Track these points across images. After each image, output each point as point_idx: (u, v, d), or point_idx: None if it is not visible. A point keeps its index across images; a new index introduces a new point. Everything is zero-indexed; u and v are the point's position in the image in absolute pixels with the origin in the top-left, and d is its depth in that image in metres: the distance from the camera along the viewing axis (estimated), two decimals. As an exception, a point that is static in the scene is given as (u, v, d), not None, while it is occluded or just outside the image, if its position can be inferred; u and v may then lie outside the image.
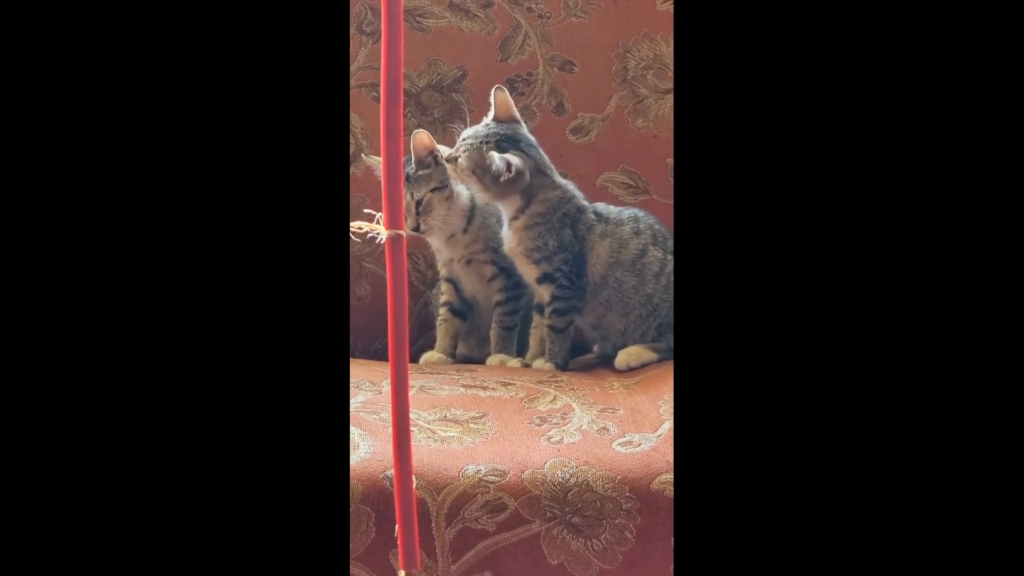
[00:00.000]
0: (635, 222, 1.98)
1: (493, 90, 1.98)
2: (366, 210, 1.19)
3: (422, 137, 2.02)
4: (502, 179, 1.92)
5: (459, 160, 1.95)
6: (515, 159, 1.92)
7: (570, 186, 2.00)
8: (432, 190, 2.03)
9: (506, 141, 1.95)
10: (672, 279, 1.95)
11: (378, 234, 1.16)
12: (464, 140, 1.96)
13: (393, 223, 1.15)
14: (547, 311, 1.98)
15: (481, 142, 1.94)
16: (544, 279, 1.97)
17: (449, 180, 2.02)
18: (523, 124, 2.00)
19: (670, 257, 1.97)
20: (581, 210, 1.98)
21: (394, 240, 1.17)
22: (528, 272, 1.98)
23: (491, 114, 1.98)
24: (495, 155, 1.91)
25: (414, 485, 1.20)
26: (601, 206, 2.02)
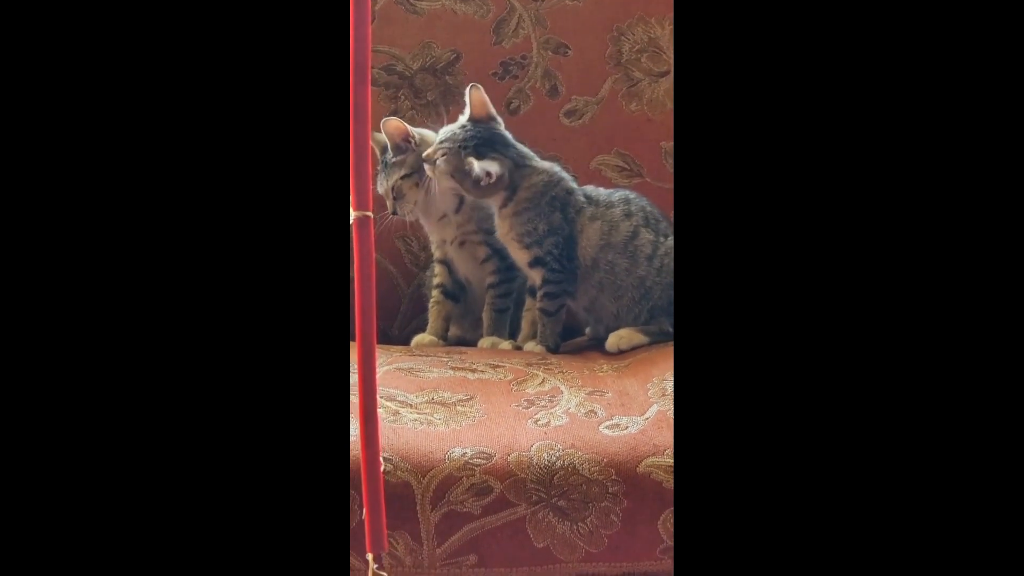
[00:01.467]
0: (626, 204, 1.98)
1: (468, 88, 1.97)
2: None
3: (394, 123, 2.02)
4: (482, 183, 1.92)
5: (437, 163, 1.94)
6: (494, 166, 1.91)
7: (556, 168, 1.99)
8: (402, 177, 2.03)
9: (484, 144, 1.94)
10: (664, 262, 1.95)
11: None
12: (442, 143, 1.96)
13: (360, 204, 1.15)
14: (538, 294, 1.98)
15: (459, 147, 1.94)
16: (535, 263, 1.96)
17: (422, 167, 2.02)
18: (499, 121, 1.99)
19: (663, 239, 1.96)
20: (570, 192, 1.97)
21: (361, 222, 1.16)
22: (519, 257, 1.98)
23: (467, 112, 1.97)
24: (475, 164, 1.91)
25: (382, 468, 1.20)
26: (591, 188, 2.02)
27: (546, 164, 1.99)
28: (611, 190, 2.02)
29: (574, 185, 1.99)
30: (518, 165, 1.96)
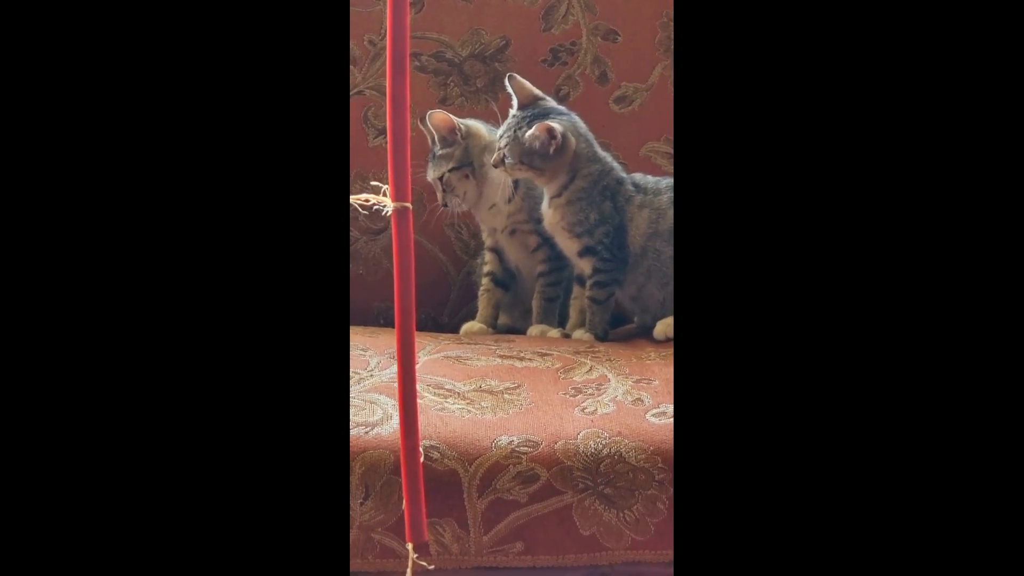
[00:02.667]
0: (673, 191, 1.97)
1: (507, 80, 1.97)
2: (373, 182, 1.19)
3: (439, 116, 2.02)
4: (552, 149, 1.91)
5: (506, 160, 1.94)
6: (555, 124, 1.91)
7: (608, 158, 2.00)
8: (451, 170, 2.04)
9: (537, 119, 1.94)
10: None
11: (384, 206, 1.16)
12: (500, 137, 1.96)
13: (399, 195, 1.15)
14: (588, 283, 1.98)
15: (515, 130, 1.94)
16: (585, 252, 1.96)
17: (471, 159, 2.03)
18: (547, 98, 1.99)
19: None
20: (620, 182, 1.98)
21: (400, 213, 1.16)
22: (569, 246, 1.98)
23: (515, 103, 1.97)
24: (531, 131, 1.91)
25: (421, 459, 1.20)
26: (639, 176, 2.01)
27: (602, 153, 1.99)
28: (658, 177, 2.02)
29: (623, 174, 1.99)
30: (578, 133, 1.95)
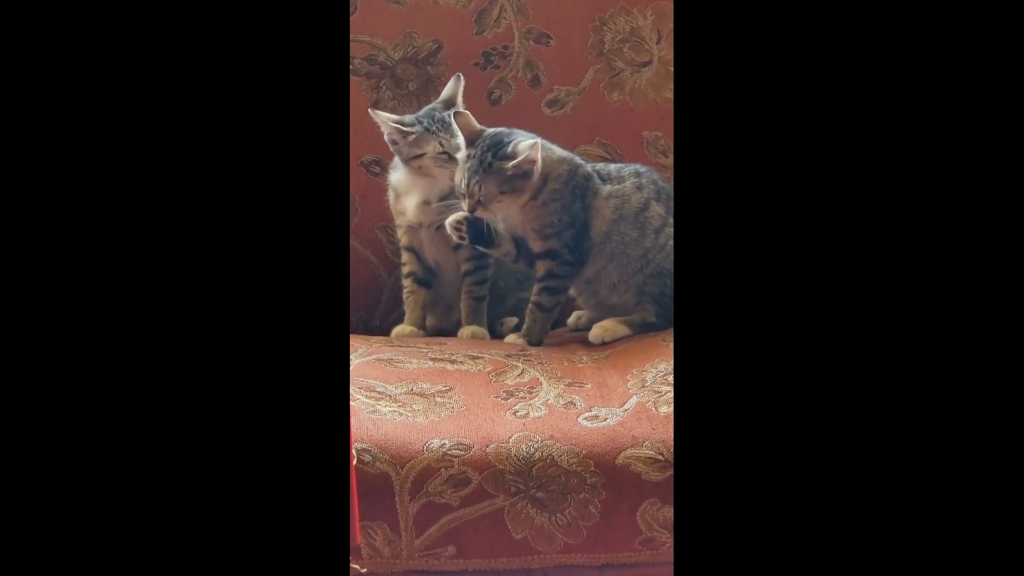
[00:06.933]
0: (637, 177, 1.97)
1: (451, 117, 1.95)
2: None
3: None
4: (535, 166, 1.89)
5: (482, 200, 1.91)
6: (531, 145, 1.89)
7: (571, 155, 1.98)
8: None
9: (499, 146, 1.91)
10: (668, 242, 1.94)
11: None
12: (467, 183, 1.92)
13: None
14: (538, 287, 1.96)
15: (483, 166, 1.90)
16: (547, 255, 1.95)
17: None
18: (484, 127, 1.95)
19: (671, 219, 1.95)
20: (588, 178, 1.96)
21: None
22: (533, 246, 1.96)
23: (462, 142, 1.94)
24: (519, 156, 1.88)
25: (354, 461, 1.20)
26: (601, 166, 2.00)
27: (563, 152, 1.97)
28: (621, 165, 2.02)
29: (589, 168, 1.97)
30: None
